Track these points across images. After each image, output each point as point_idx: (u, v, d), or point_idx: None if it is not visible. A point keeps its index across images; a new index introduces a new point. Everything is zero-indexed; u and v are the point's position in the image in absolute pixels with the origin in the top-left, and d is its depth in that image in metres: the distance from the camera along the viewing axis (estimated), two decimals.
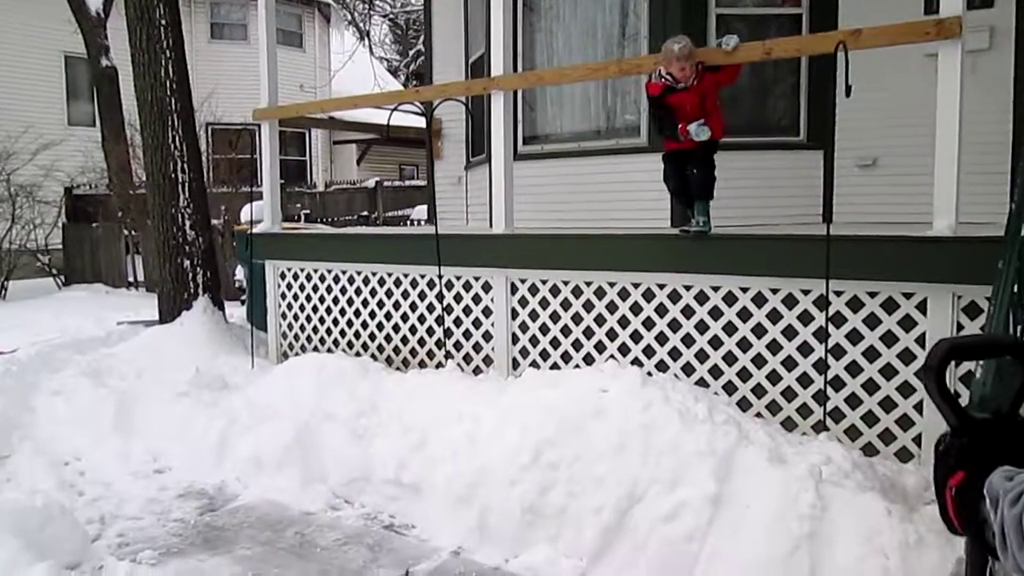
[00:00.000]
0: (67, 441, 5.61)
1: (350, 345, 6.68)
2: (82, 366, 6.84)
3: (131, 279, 13.81)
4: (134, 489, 4.95)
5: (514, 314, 5.74)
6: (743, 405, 4.74)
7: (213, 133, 18.81)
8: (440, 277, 5.89)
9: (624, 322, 5.20)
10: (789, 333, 4.65)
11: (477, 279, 5.90)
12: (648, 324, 5.14)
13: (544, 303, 5.59)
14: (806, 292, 4.57)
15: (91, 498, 4.80)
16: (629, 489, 3.63)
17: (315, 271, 6.90)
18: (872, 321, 4.39)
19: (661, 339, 5.10)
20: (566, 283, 5.47)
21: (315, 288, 6.92)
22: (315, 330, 6.96)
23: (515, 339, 5.75)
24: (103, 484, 5.03)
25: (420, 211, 15.62)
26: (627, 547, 3.58)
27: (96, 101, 16.28)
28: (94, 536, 4.25)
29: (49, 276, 14.58)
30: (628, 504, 3.61)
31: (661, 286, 5.06)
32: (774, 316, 4.69)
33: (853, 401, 4.48)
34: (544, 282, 5.57)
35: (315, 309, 6.94)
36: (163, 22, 7.39)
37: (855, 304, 4.43)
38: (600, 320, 5.32)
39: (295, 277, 7.07)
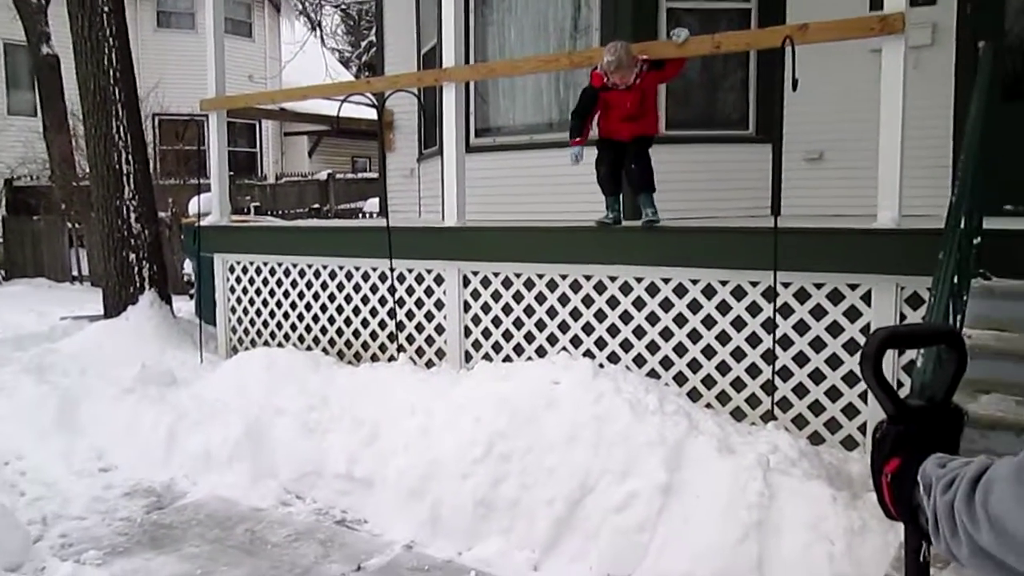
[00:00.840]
0: (7, 440, 5.44)
1: (301, 339, 6.60)
2: (23, 363, 6.65)
3: (75, 273, 13.47)
4: (78, 488, 4.83)
5: (466, 307, 5.73)
6: (693, 396, 4.79)
7: (160, 124, 18.41)
8: (392, 270, 5.85)
9: (576, 314, 5.22)
10: (738, 324, 4.71)
11: (429, 272, 5.87)
12: (600, 316, 5.17)
13: (496, 296, 5.58)
14: (755, 284, 4.63)
15: (33, 498, 4.67)
16: (581, 480, 3.65)
17: (265, 264, 6.81)
18: (818, 312, 4.47)
19: (612, 331, 5.13)
20: (518, 275, 5.47)
21: (265, 282, 6.83)
22: (265, 324, 6.87)
23: (467, 332, 5.74)
24: (45, 484, 4.89)
25: (373, 204, 15.48)
26: (579, 538, 3.60)
27: (37, 90, 15.83)
28: (36, 537, 4.13)
29: None
30: (580, 495, 3.63)
31: (612, 278, 5.09)
32: (723, 307, 4.75)
33: (800, 391, 4.56)
34: (496, 275, 5.57)
35: (265, 303, 6.85)
36: (105, 9, 7.21)
37: (802, 295, 4.51)
38: (552, 312, 5.33)
39: (244, 271, 6.97)
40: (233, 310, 7.11)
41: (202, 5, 6.86)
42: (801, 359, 4.54)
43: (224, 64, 6.91)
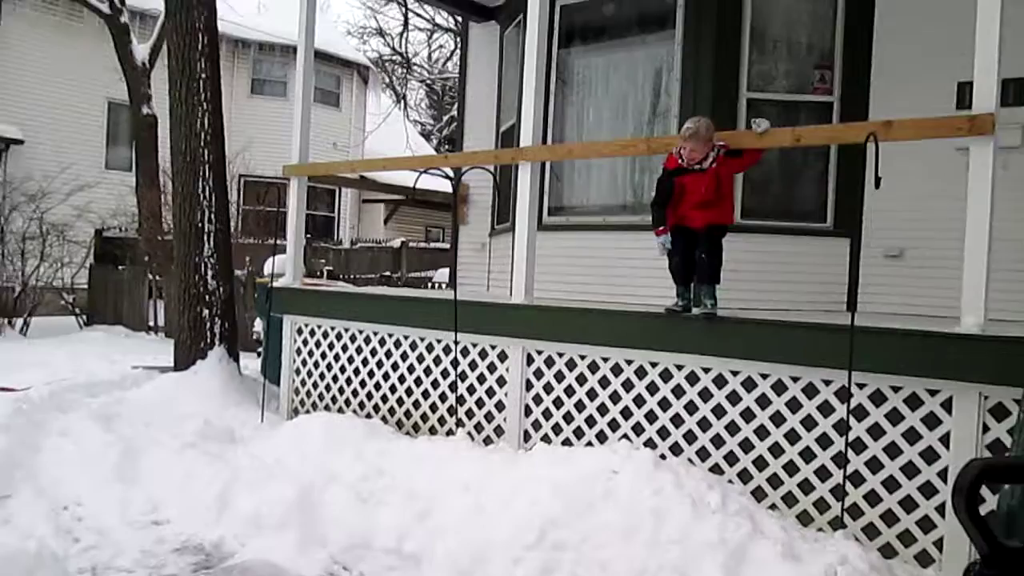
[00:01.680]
0: (69, 485, 5.53)
1: (362, 406, 6.61)
2: (92, 409, 6.82)
3: (151, 323, 13.89)
4: (130, 539, 4.84)
5: (528, 385, 5.66)
6: (758, 495, 4.60)
7: (245, 185, 19.14)
8: (456, 343, 5.84)
9: (640, 401, 5.11)
10: (808, 423, 4.53)
11: (493, 347, 5.84)
12: (664, 405, 5.04)
13: (559, 376, 5.51)
14: (827, 382, 4.47)
15: (85, 546, 4.69)
16: None
17: (332, 328, 6.88)
18: (895, 416, 4.28)
19: (676, 421, 4.99)
20: (583, 357, 5.40)
21: (331, 345, 6.89)
22: (327, 388, 6.90)
23: (528, 411, 5.66)
24: (100, 532, 4.93)
25: (443, 273, 15.68)
26: None
27: (134, 147, 16.63)
28: None
29: (72, 315, 14.71)
30: None
31: (679, 367, 4.98)
32: (794, 405, 4.58)
33: (872, 498, 4.33)
34: (560, 355, 5.51)
35: (329, 367, 6.90)
36: (203, 76, 7.56)
37: (878, 398, 4.32)
38: (615, 397, 5.22)
39: (311, 333, 7.05)
40: (297, 372, 7.17)
41: (295, 74, 7.11)
42: (875, 465, 4.33)
43: (308, 133, 7.13)
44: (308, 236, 19.65)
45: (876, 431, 4.32)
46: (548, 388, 5.56)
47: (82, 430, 6.25)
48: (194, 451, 5.62)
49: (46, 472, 5.70)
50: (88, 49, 18.41)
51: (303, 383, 7.13)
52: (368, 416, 6.43)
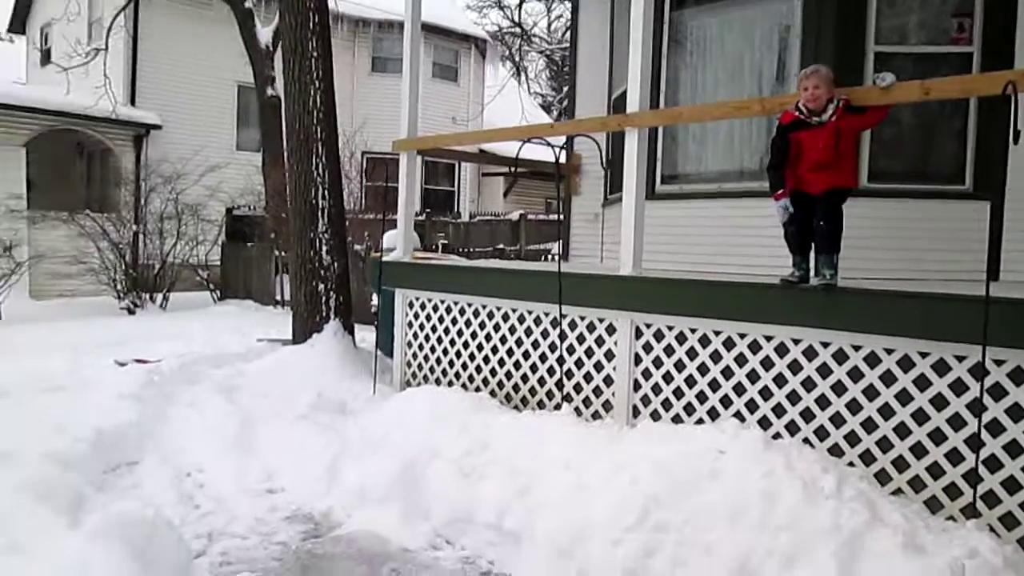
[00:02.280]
0: (192, 454, 5.78)
1: (471, 379, 6.60)
2: (216, 381, 7.10)
3: (278, 298, 14.40)
4: (245, 507, 5.00)
5: (637, 360, 5.49)
6: (881, 478, 4.29)
7: (367, 161, 19.54)
8: (562, 316, 5.72)
9: (753, 376, 4.85)
10: (939, 403, 4.18)
11: (601, 320, 5.69)
12: (779, 381, 4.77)
13: (669, 350, 5.31)
14: (960, 359, 4.10)
15: (203, 512, 4.89)
16: (741, 562, 3.31)
17: (441, 302, 6.89)
18: None
19: (793, 398, 4.71)
20: (693, 331, 5.18)
21: (441, 319, 6.90)
22: (439, 361, 6.93)
23: (637, 386, 5.49)
24: (217, 499, 5.12)
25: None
26: None
27: (261, 128, 17.22)
28: (198, 551, 4.30)
29: (206, 290, 15.46)
30: None
31: (796, 341, 4.69)
32: (922, 383, 4.23)
33: (1011, 485, 3.95)
34: (670, 328, 5.30)
35: (439, 340, 6.91)
36: (315, 54, 7.66)
37: (1019, 376, 3.93)
38: (728, 373, 4.98)
39: (422, 307, 7.08)
40: (409, 344, 7.23)
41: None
42: (1014, 449, 3.94)
43: (417, 106, 7.12)
44: (428, 211, 19.92)
45: (1017, 412, 3.93)
46: (657, 362, 5.37)
47: (205, 401, 6.52)
48: (306, 422, 5.76)
49: (172, 440, 5.98)
50: (218, 35, 19.18)
51: (415, 356, 7.18)
52: (477, 390, 6.41)
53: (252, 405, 6.40)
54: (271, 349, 8.41)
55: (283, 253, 14.14)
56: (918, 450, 4.24)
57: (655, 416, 5.33)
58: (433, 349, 6.98)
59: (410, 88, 7.01)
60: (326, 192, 7.76)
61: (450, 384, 6.69)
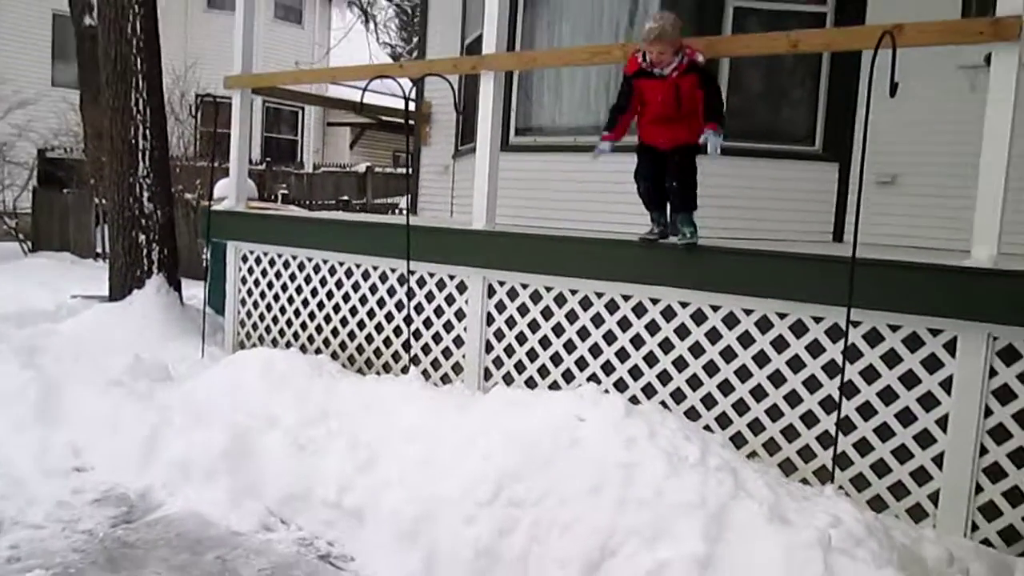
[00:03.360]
0: None
1: (311, 340, 6.11)
2: (18, 342, 6.25)
3: (99, 250, 13.18)
4: (46, 490, 4.35)
5: (489, 319, 5.19)
6: (737, 441, 4.21)
7: (201, 104, 18.16)
8: (410, 272, 5.33)
9: (610, 338, 4.65)
10: (795, 364, 4.11)
11: (452, 278, 5.34)
12: (637, 342, 4.59)
13: (523, 309, 5.04)
14: (818, 320, 4.03)
15: None
16: (602, 541, 3.08)
17: (279, 256, 6.33)
18: (891, 358, 3.86)
19: (650, 360, 4.55)
20: (549, 289, 4.92)
21: (278, 274, 6.35)
22: (275, 320, 6.39)
23: (489, 347, 5.20)
24: (13, 481, 4.43)
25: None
26: None
27: (78, 61, 15.58)
28: None
29: (15, 241, 13.94)
30: (600, 558, 3.07)
31: (655, 301, 4.52)
32: (779, 344, 4.15)
33: (863, 447, 3.95)
34: (525, 286, 5.02)
35: (276, 297, 6.37)
36: None
37: (873, 338, 3.90)
38: (584, 333, 4.77)
39: (257, 261, 6.49)
40: (243, 303, 6.64)
41: None
42: (867, 411, 3.92)
43: (252, 40, 6.47)
44: (268, 160, 18.82)
45: (870, 374, 3.91)
46: (511, 323, 5.09)
47: (3, 365, 5.69)
48: (121, 390, 5.12)
49: None
50: None
51: (248, 315, 6.60)
52: (318, 351, 5.95)
53: (59, 371, 5.63)
54: (86, 307, 7.56)
55: (104, 201, 12.91)
56: (774, 412, 4.18)
57: (508, 379, 5.07)
58: (269, 307, 6.43)
59: (244, 16, 6.34)
60: (147, 132, 6.96)
61: (288, 345, 6.19)
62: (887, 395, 3.87)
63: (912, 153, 5.83)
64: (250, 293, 6.56)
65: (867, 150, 5.62)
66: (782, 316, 4.13)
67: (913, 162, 5.86)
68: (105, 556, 3.69)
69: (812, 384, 4.06)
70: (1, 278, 10.74)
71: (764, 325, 4.19)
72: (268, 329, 6.44)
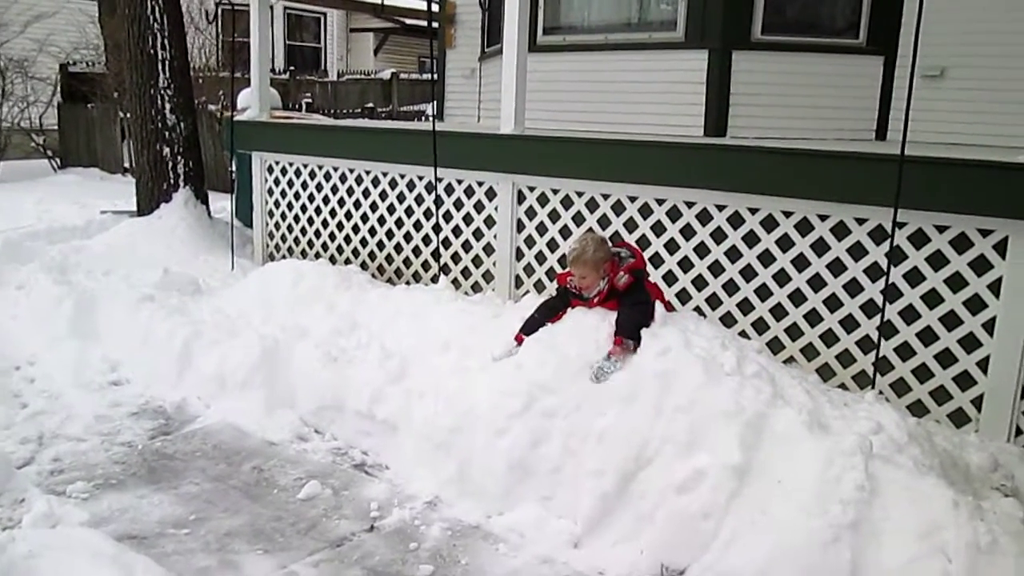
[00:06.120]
0: (21, 343, 5.09)
1: (339, 250, 6.06)
2: (51, 258, 6.28)
3: (127, 165, 13.13)
4: (84, 403, 4.41)
5: (520, 226, 5.09)
6: (774, 347, 4.13)
7: (223, 13, 17.77)
8: (438, 179, 5.21)
9: (643, 243, 4.53)
10: (836, 268, 3.98)
11: (480, 184, 5.22)
12: (671, 247, 4.48)
13: (554, 215, 4.92)
14: (861, 221, 3.88)
15: (33, 411, 4.27)
16: (637, 450, 3.04)
17: (305, 166, 6.23)
18: (937, 260, 3.72)
19: (685, 265, 4.44)
20: (580, 194, 4.79)
21: (304, 185, 6.26)
22: (303, 231, 6.33)
23: (519, 254, 5.12)
24: (51, 395, 4.50)
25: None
26: (630, 517, 3.03)
27: None
28: (25, 460, 3.73)
29: (44, 158, 13.92)
30: (635, 467, 3.04)
31: (690, 204, 4.38)
32: (820, 247, 4.01)
33: (904, 351, 3.85)
34: (555, 191, 4.89)
35: (303, 208, 6.30)
36: None
37: (919, 239, 3.75)
38: (616, 239, 4.64)
39: (283, 172, 6.40)
40: (271, 214, 6.58)
41: None
42: (910, 315, 3.80)
43: None
44: (292, 69, 18.48)
45: (915, 277, 3.77)
46: (542, 229, 4.99)
47: (36, 282, 5.72)
48: (153, 304, 5.11)
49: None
50: None
51: (276, 227, 6.55)
52: (346, 262, 5.90)
53: (92, 286, 5.67)
54: (115, 222, 7.55)
55: (128, 115, 12.81)
56: (813, 317, 4.07)
57: (539, 287, 5.00)
58: (297, 218, 6.36)
59: None
60: (166, 41, 6.79)
61: (317, 256, 6.15)
62: (932, 298, 3.74)
63: (962, 45, 5.51)
64: (277, 205, 6.50)
65: (908, 43, 5.32)
66: (823, 218, 3.97)
67: (963, 54, 5.54)
68: (145, 467, 3.74)
69: (853, 288, 3.94)
70: (32, 195, 10.77)
71: (804, 227, 4.04)
72: (297, 240, 6.39)
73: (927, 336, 3.78)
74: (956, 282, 3.68)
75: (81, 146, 14.05)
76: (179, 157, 6.96)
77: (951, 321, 3.71)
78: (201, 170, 7.32)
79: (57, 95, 14.45)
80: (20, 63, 13.25)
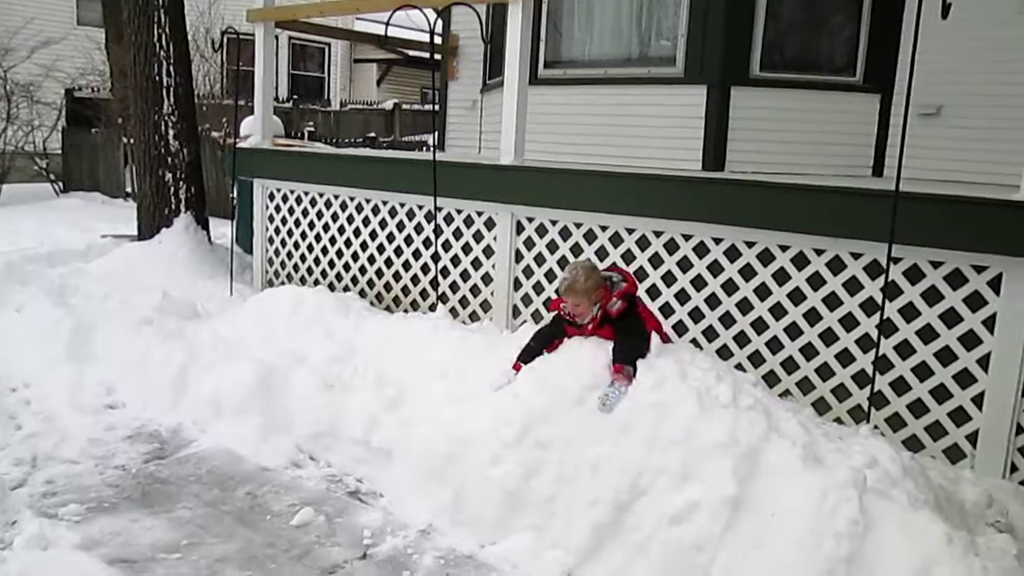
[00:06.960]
0: (18, 365, 5.09)
1: (339, 278, 6.09)
2: (50, 281, 6.29)
3: (129, 190, 13.20)
4: (79, 426, 4.41)
5: (518, 256, 5.12)
6: (770, 380, 4.13)
7: (228, 42, 17.96)
8: (437, 209, 5.24)
9: (641, 275, 4.56)
10: (832, 302, 4.00)
11: (480, 214, 5.26)
12: (668, 279, 4.50)
13: (552, 246, 4.95)
14: (856, 256, 3.91)
15: (28, 433, 4.27)
16: (631, 480, 3.04)
17: (306, 194, 6.27)
18: (932, 296, 3.74)
19: (682, 297, 4.47)
20: (578, 225, 4.83)
21: (305, 212, 6.30)
22: (303, 258, 6.36)
23: (517, 284, 5.14)
24: (46, 418, 4.50)
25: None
26: (624, 548, 3.02)
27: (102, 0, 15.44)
28: (18, 482, 3.73)
29: (47, 182, 14.00)
30: (629, 498, 3.03)
31: (687, 237, 4.41)
32: (816, 281, 4.04)
33: (900, 386, 3.86)
34: (554, 222, 4.93)
35: (304, 235, 6.33)
36: None
37: (914, 275, 3.77)
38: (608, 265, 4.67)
39: (284, 199, 6.44)
40: (271, 240, 6.61)
41: None
42: (905, 350, 3.82)
43: None
44: (295, 98, 18.64)
45: (910, 312, 3.79)
46: (540, 260, 5.02)
47: (35, 304, 5.74)
48: (150, 328, 5.13)
49: None
50: None
51: (276, 253, 6.58)
52: (345, 289, 5.92)
53: (90, 309, 5.68)
54: (115, 246, 7.59)
55: (131, 140, 12.91)
56: (808, 351, 4.08)
57: (536, 317, 5.01)
58: (297, 245, 6.40)
59: None
60: (171, 68, 6.87)
61: (316, 283, 6.17)
62: (927, 333, 3.76)
63: (957, 83, 5.59)
64: (278, 231, 6.53)
65: (903, 81, 5.39)
66: (819, 252, 4.01)
67: (959, 93, 5.61)
68: (138, 491, 3.73)
69: (849, 322, 3.96)
70: (33, 218, 10.83)
71: (800, 261, 4.07)
72: (296, 267, 6.42)
73: (922, 371, 3.79)
74: (951, 318, 3.70)
75: (84, 170, 14.13)
76: (181, 183, 7.01)
77: (946, 356, 3.73)
78: (203, 196, 7.36)
79: (62, 120, 14.57)
80: (26, 87, 13.38)
